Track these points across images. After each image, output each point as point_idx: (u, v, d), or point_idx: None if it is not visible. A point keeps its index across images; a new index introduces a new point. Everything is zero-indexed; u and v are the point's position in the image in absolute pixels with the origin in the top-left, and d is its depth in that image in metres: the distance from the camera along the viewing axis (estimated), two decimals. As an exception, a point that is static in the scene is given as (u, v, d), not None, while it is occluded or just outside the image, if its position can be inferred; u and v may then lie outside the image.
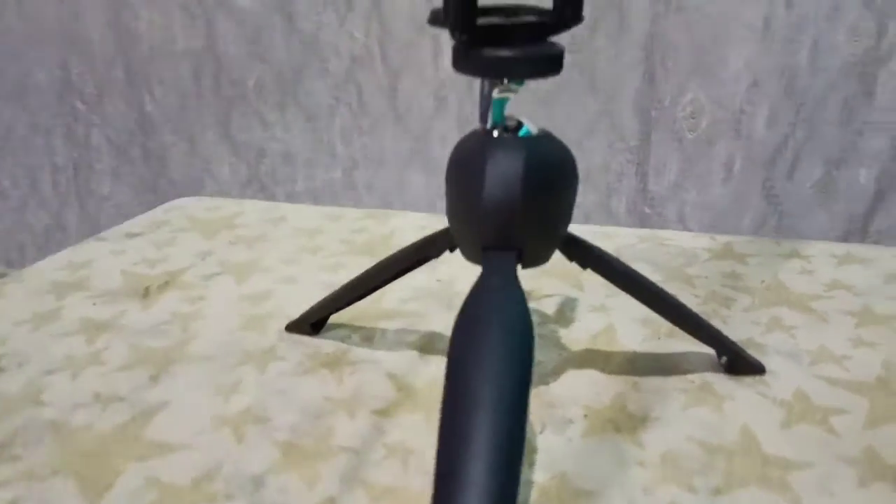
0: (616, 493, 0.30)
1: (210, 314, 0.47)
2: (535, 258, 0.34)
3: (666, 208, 0.98)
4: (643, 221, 1.00)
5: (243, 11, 1.04)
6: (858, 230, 0.92)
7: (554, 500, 0.30)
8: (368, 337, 0.46)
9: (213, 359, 0.43)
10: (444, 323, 0.46)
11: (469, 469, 0.23)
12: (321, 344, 0.45)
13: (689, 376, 0.39)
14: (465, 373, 0.26)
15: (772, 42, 0.87)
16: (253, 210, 0.65)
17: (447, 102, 1.05)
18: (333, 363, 0.43)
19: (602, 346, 0.43)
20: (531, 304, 0.47)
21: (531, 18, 0.30)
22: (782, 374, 0.37)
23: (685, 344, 0.41)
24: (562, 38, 0.31)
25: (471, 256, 0.35)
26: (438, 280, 0.53)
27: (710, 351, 0.40)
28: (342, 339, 0.45)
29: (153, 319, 0.46)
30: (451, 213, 0.34)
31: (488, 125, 0.32)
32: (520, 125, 0.32)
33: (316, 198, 1.16)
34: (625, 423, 0.35)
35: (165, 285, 0.50)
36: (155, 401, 0.39)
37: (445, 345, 0.36)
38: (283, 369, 0.42)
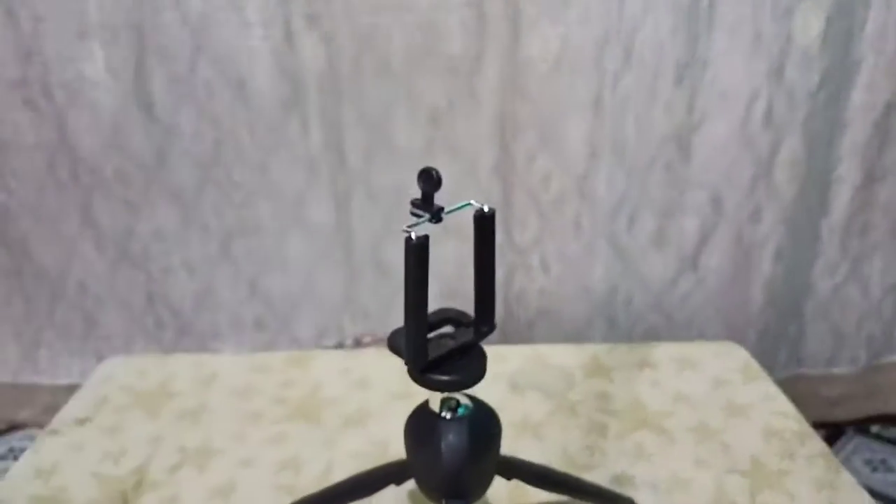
0: None
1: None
2: (480, 494, 0.43)
3: (530, 258, 1.10)
4: (511, 269, 1.11)
5: (98, 105, 1.03)
6: (689, 267, 1.09)
7: None
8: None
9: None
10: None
11: None
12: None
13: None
14: None
15: (603, 118, 0.99)
16: (182, 368, 0.68)
17: (319, 173, 1.09)
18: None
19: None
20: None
21: (464, 339, 0.39)
22: (649, 505, 0.48)
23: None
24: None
25: (432, 498, 0.43)
26: (373, 444, 0.60)
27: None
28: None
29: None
30: (414, 469, 0.42)
31: (437, 411, 0.41)
32: (458, 403, 0.41)
33: (192, 270, 1.17)
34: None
35: (138, 486, 0.53)
36: None
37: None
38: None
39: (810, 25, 0.93)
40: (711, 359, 0.66)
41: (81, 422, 0.61)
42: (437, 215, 0.37)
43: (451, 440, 0.40)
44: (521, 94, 0.99)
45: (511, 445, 0.54)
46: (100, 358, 1.22)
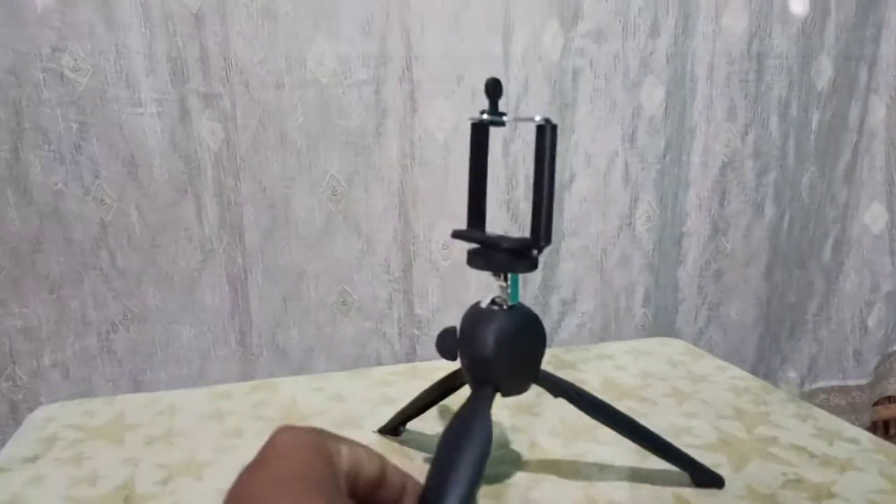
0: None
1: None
2: (512, 391, 0.47)
3: (432, 329, 1.13)
4: (412, 342, 1.13)
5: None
6: (570, 311, 1.18)
7: None
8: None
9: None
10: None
11: None
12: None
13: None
14: (442, 457, 0.40)
15: (496, 183, 1.08)
16: (134, 405, 0.60)
17: (214, 254, 1.06)
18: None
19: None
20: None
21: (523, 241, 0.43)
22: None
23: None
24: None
25: (471, 386, 0.47)
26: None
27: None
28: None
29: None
30: (456, 359, 0.46)
31: (509, 301, 0.44)
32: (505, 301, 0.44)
33: (67, 370, 1.06)
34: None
35: (129, 500, 0.45)
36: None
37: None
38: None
39: (653, 96, 1.10)
40: (659, 347, 0.72)
41: (32, 459, 0.52)
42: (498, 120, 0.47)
43: (497, 326, 0.43)
44: (420, 164, 1.05)
45: (510, 420, 0.57)
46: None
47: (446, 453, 0.41)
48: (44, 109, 0.96)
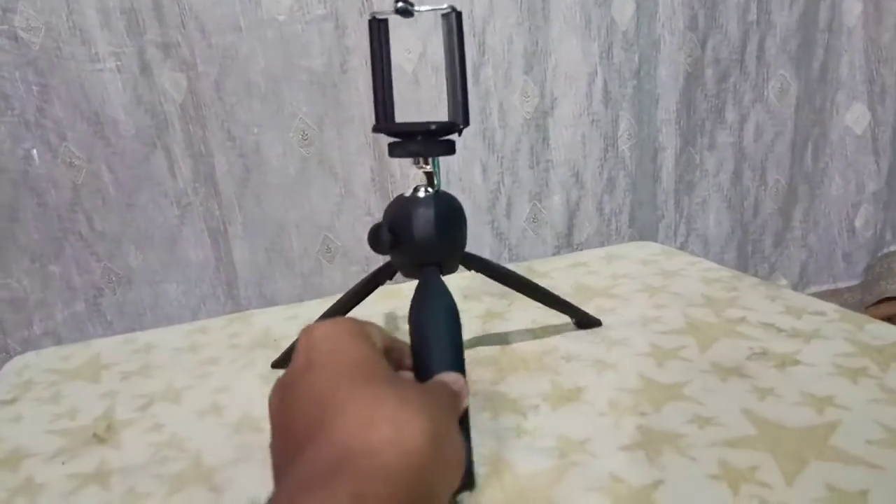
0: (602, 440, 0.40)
1: (194, 436, 0.44)
2: (448, 269, 0.49)
3: (418, 261, 1.13)
4: (400, 278, 1.13)
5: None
6: (564, 245, 1.18)
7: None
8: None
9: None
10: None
11: None
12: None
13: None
14: (423, 339, 0.41)
15: (470, 111, 1.06)
16: (110, 346, 0.60)
17: (192, 207, 1.06)
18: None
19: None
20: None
21: (439, 122, 0.43)
22: (635, 337, 0.52)
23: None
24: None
25: (410, 274, 0.48)
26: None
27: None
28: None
29: (143, 455, 0.42)
30: (393, 251, 0.47)
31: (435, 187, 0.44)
32: (426, 189, 0.45)
33: (59, 337, 1.07)
34: (568, 395, 0.45)
35: (110, 428, 0.46)
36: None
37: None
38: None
39: (625, 9, 1.08)
40: (634, 251, 0.72)
41: (10, 402, 0.53)
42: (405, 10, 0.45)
43: (434, 209, 0.44)
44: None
45: (484, 327, 0.57)
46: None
47: (422, 327, 0.42)
48: (2, 74, 0.95)
